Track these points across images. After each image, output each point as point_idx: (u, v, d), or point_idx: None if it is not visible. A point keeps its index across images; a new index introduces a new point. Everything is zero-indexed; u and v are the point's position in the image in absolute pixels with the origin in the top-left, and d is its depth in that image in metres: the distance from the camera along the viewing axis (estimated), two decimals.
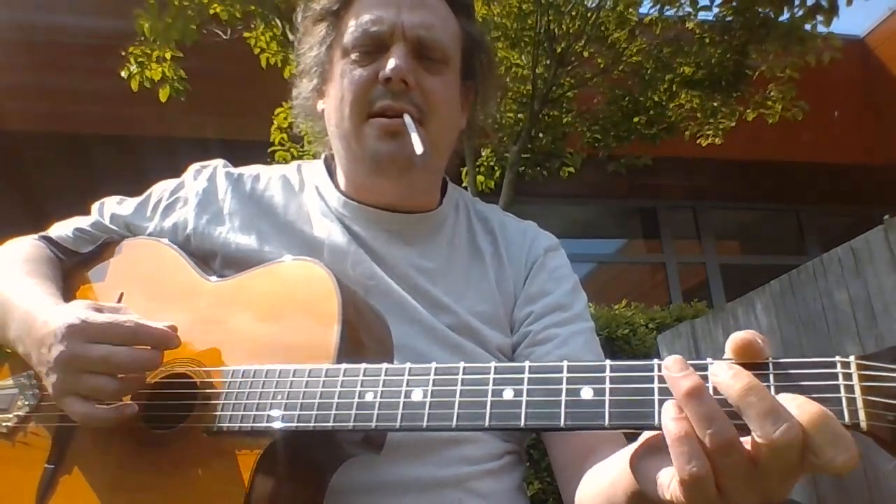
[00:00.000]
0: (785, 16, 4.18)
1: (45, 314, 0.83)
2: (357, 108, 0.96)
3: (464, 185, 4.49)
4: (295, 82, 1.10)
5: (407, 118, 0.94)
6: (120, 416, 0.77)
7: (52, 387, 0.78)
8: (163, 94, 4.20)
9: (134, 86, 4.18)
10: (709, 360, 0.59)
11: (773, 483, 0.54)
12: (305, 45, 1.06)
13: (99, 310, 0.81)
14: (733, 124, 4.86)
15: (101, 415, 0.76)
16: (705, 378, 0.57)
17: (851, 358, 0.55)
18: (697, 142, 4.98)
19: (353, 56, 0.97)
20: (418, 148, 0.92)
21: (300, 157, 4.18)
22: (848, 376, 0.55)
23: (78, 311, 0.80)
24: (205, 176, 1.07)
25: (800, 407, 0.53)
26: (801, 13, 4.12)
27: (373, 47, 0.96)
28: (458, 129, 1.07)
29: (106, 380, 0.76)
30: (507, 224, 1.11)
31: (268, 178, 1.07)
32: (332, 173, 1.08)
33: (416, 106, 0.95)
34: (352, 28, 0.98)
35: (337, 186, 1.05)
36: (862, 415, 0.53)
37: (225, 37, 4.38)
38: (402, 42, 0.95)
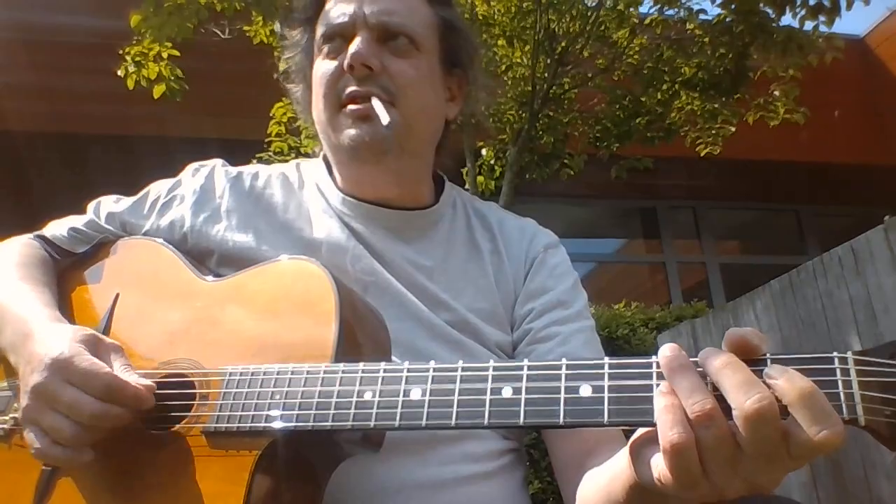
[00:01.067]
0: (786, 16, 4.17)
1: (41, 331, 0.82)
2: (329, 100, 0.98)
3: (465, 186, 4.49)
4: (290, 93, 1.12)
5: (374, 100, 0.95)
6: (72, 460, 0.76)
7: (20, 409, 0.78)
8: (156, 92, 4.18)
9: (130, 84, 4.17)
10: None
11: (758, 465, 0.54)
12: (288, 54, 1.10)
13: (96, 345, 0.80)
14: (733, 129, 4.86)
15: (52, 453, 0.76)
16: (704, 376, 0.58)
17: (849, 353, 0.55)
18: (696, 149, 4.98)
19: (323, 52, 1.00)
20: (384, 117, 0.93)
21: (297, 148, 4.17)
22: (846, 371, 0.55)
23: (69, 343, 0.78)
24: (203, 174, 1.07)
25: (789, 379, 0.54)
26: (802, 13, 4.11)
27: (339, 41, 0.99)
28: (441, 115, 1.07)
29: (68, 423, 0.75)
30: (505, 221, 1.11)
31: (267, 176, 1.08)
32: (331, 170, 1.08)
33: (384, 88, 0.96)
34: (320, 27, 1.02)
35: (336, 184, 1.05)
36: (860, 410, 0.53)
37: (223, 35, 4.37)
38: (365, 30, 0.98)
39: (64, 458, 0.76)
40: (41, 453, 0.76)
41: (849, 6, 3.98)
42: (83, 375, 0.75)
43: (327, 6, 1.03)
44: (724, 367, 0.56)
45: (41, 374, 0.76)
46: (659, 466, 0.58)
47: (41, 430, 0.76)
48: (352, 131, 0.96)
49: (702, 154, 4.97)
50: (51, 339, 0.79)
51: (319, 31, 1.02)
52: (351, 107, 0.96)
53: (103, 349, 0.80)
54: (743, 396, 0.53)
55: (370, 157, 0.98)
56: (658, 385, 0.59)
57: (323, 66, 1.00)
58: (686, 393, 0.56)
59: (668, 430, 0.55)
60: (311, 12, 1.05)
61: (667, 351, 0.60)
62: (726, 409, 0.55)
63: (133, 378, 0.77)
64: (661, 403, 0.57)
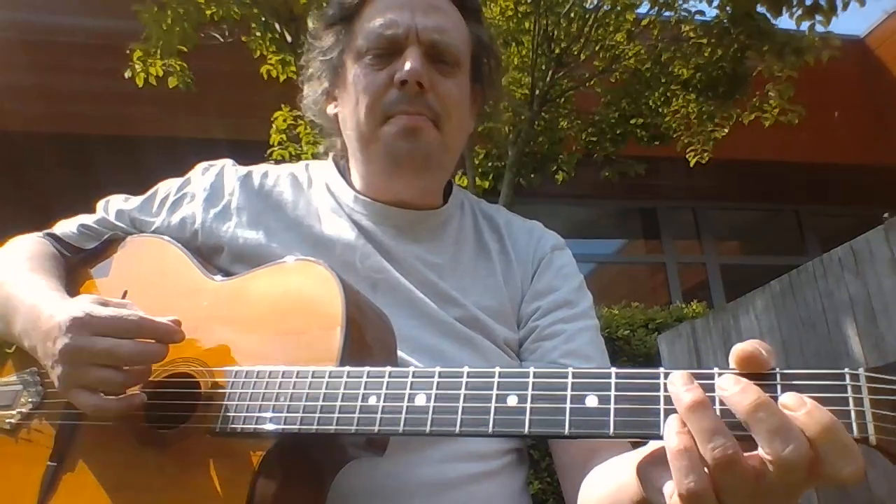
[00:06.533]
0: (784, 15, 4.17)
1: (50, 308, 0.83)
2: (373, 112, 0.97)
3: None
4: (303, 87, 1.11)
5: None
6: (129, 405, 0.78)
7: (58, 379, 0.79)
8: (171, 82, 4.22)
9: (139, 82, 4.18)
10: (716, 369, 0.58)
11: (779, 499, 0.54)
12: (316, 50, 1.07)
13: (104, 304, 0.81)
14: (726, 131, 4.86)
15: (109, 406, 0.77)
16: (712, 390, 0.57)
17: (860, 370, 0.54)
18: (687, 156, 4.98)
19: (367, 59, 0.98)
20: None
21: (298, 156, 4.19)
22: (857, 389, 0.54)
23: (83, 304, 0.80)
24: (213, 172, 1.07)
25: (809, 414, 0.52)
26: (799, 13, 4.12)
27: (387, 50, 0.97)
28: (469, 130, 1.08)
29: (112, 372, 0.76)
30: (512, 223, 1.12)
31: (276, 175, 1.08)
32: (341, 172, 1.08)
33: (431, 108, 0.96)
34: (365, 32, 0.99)
35: (350, 184, 1.06)
36: (871, 428, 0.52)
37: (222, 39, 4.39)
38: (417, 45, 0.96)
39: (120, 408, 0.77)
40: (100, 409, 0.77)
41: (844, 6, 3.98)
42: (110, 322, 0.77)
43: (372, 10, 1.00)
44: (757, 410, 0.53)
45: (66, 337, 0.77)
46: (674, 500, 0.56)
47: (87, 390, 0.77)
48: (398, 144, 0.96)
49: (692, 163, 4.97)
50: (64, 308, 0.81)
51: (366, 36, 0.99)
52: (400, 117, 0.95)
53: (116, 304, 0.82)
54: (780, 446, 0.51)
55: (410, 170, 0.98)
56: (668, 407, 0.58)
57: (367, 76, 0.98)
58: (706, 437, 0.53)
59: (683, 477, 0.53)
60: (349, 12, 1.03)
61: (678, 383, 0.57)
62: (742, 437, 0.53)
63: (156, 317, 0.80)
64: (674, 446, 0.54)
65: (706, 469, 0.54)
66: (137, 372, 0.78)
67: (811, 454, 0.51)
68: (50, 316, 0.81)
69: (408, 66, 0.94)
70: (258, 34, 4.33)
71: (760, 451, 0.52)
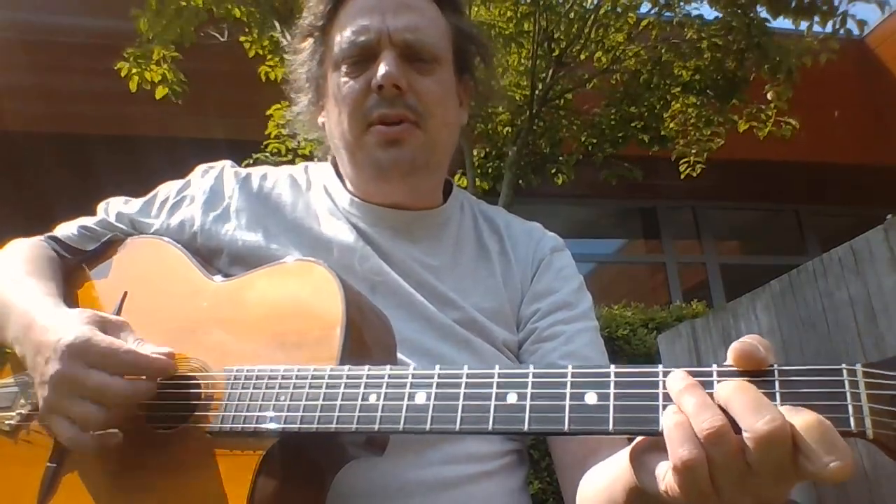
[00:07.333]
0: (781, 17, 4.19)
1: (45, 318, 0.82)
2: (355, 120, 0.97)
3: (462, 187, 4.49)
4: (291, 99, 1.11)
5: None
6: (103, 445, 0.76)
7: (42, 400, 0.78)
8: (158, 93, 4.20)
9: (132, 86, 4.18)
10: (714, 366, 0.59)
11: (767, 484, 0.54)
12: (296, 63, 1.07)
13: (103, 325, 0.80)
14: (721, 142, 4.86)
15: (84, 442, 0.75)
16: (709, 386, 0.57)
17: (858, 366, 0.55)
18: (679, 168, 4.98)
19: (344, 68, 0.98)
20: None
21: (294, 149, 4.19)
22: (854, 384, 0.54)
23: (81, 327, 0.78)
24: (212, 175, 1.08)
25: (797, 412, 0.53)
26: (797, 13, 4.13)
27: (362, 57, 0.97)
28: (459, 125, 1.08)
29: (96, 408, 0.74)
30: (512, 224, 1.12)
31: (275, 177, 1.08)
32: (339, 174, 1.09)
33: (412, 109, 0.96)
34: (339, 41, 0.99)
35: (345, 187, 1.06)
36: (868, 423, 0.53)
37: (222, 39, 4.39)
38: (390, 47, 0.96)
39: (95, 446, 0.76)
40: (74, 442, 0.75)
41: (838, 27, 4.02)
42: (105, 356, 0.75)
43: (344, 18, 1.00)
44: (734, 390, 0.55)
45: (60, 362, 0.75)
46: (667, 479, 0.57)
47: (68, 419, 0.75)
48: (380, 154, 0.96)
49: (682, 175, 4.97)
50: (58, 325, 0.79)
51: (339, 45, 0.99)
52: (380, 127, 0.96)
53: (111, 327, 0.80)
54: (754, 418, 0.52)
55: (397, 177, 0.98)
56: (667, 404, 0.58)
57: (345, 85, 0.98)
58: (695, 411, 0.55)
59: (678, 447, 0.54)
60: (323, 21, 1.03)
61: (673, 373, 0.59)
62: (736, 430, 0.54)
63: (150, 349, 0.78)
64: (671, 420, 0.56)
65: (700, 442, 0.54)
66: (120, 411, 0.76)
67: (790, 432, 0.52)
68: (43, 328, 0.80)
69: (382, 70, 0.94)
70: (255, 34, 4.32)
71: (743, 432, 0.53)
